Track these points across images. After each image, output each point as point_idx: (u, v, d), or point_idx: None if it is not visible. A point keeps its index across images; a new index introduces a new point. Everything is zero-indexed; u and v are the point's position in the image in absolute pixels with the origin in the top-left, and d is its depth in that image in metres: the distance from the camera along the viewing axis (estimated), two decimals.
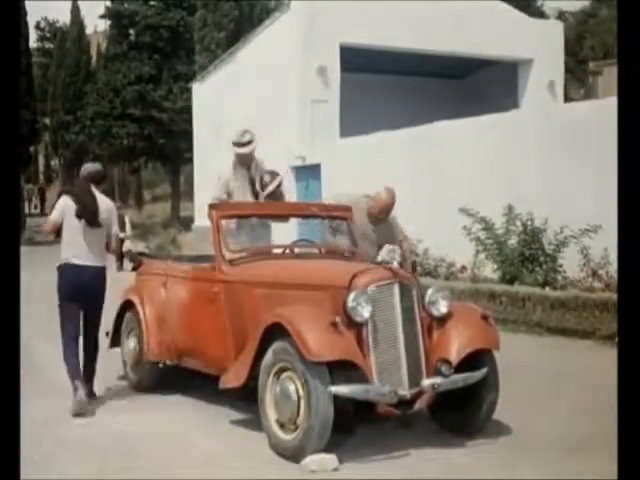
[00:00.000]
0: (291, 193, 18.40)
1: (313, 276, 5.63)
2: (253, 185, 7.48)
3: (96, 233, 6.52)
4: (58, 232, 6.62)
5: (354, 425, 5.48)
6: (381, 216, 7.07)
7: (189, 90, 28.71)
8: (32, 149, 51.13)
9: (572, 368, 7.67)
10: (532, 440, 5.40)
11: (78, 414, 6.10)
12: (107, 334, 7.55)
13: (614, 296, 8.67)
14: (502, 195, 11.36)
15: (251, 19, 29.20)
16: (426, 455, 5.10)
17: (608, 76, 23.82)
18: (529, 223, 10.54)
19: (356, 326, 5.03)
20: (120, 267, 20.70)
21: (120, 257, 20.84)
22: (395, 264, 5.42)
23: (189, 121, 28.23)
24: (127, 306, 7.26)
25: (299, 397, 4.92)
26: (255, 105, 20.57)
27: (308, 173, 18.07)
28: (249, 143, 7.57)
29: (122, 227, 21.22)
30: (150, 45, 33.66)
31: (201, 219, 21.93)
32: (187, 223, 28.29)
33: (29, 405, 5.69)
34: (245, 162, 7.58)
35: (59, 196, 6.74)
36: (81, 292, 6.49)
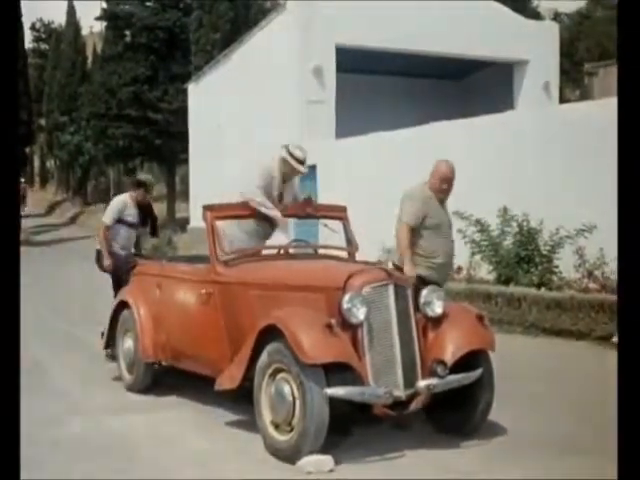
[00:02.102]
0: None
1: (308, 277, 5.63)
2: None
3: None
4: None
5: (350, 426, 5.47)
6: (444, 189, 6.79)
7: (185, 91, 28.71)
8: (28, 150, 51.07)
9: (568, 369, 7.67)
10: (527, 441, 5.40)
11: None
12: (102, 335, 7.55)
13: (609, 297, 8.68)
14: (498, 196, 11.35)
15: (247, 20, 29.22)
16: (422, 456, 5.10)
17: (604, 77, 23.84)
18: (525, 224, 10.55)
19: (351, 327, 5.03)
20: None
21: None
22: (390, 264, 5.42)
23: (185, 122, 28.22)
24: (122, 307, 7.24)
25: (294, 398, 4.92)
26: (251, 106, 20.58)
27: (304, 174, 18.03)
28: (305, 163, 7.13)
29: None
30: (146, 46, 33.62)
31: (196, 220, 21.93)
32: (182, 224, 28.28)
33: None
34: (289, 177, 7.15)
35: None
36: None
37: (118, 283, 8.44)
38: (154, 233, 9.69)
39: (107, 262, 8.61)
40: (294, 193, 7.30)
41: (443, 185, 6.73)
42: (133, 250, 8.96)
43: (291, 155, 6.92)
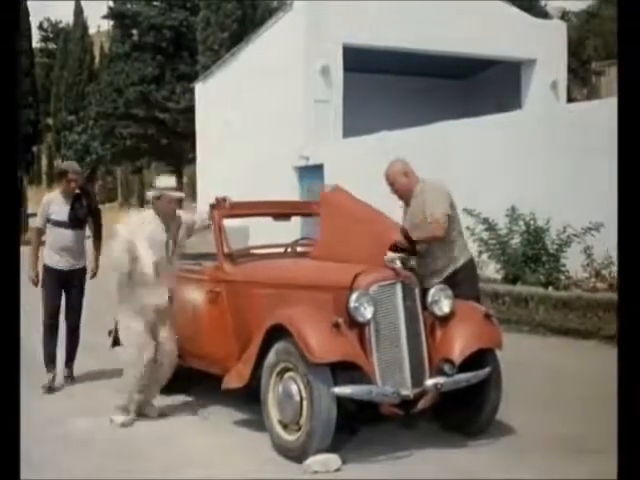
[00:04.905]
0: (294, 193, 18.43)
1: (315, 276, 5.62)
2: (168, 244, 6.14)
3: None
4: None
5: (357, 425, 5.47)
6: (396, 193, 6.32)
7: (192, 90, 28.73)
8: (35, 149, 51.29)
9: (576, 368, 7.65)
10: (535, 440, 5.39)
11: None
12: (109, 333, 7.54)
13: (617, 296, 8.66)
14: (505, 195, 11.34)
15: (254, 19, 29.27)
16: (428, 455, 5.09)
17: (611, 76, 23.79)
18: (532, 223, 10.53)
19: (358, 326, 5.02)
20: None
21: None
22: (398, 264, 5.40)
23: (192, 121, 28.26)
24: None
25: (302, 398, 4.92)
26: (258, 105, 20.59)
27: (311, 173, 18.07)
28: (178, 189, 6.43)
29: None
30: (153, 45, 33.71)
31: None
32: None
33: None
34: (171, 214, 6.18)
35: None
36: None
37: (51, 297, 7.25)
38: (96, 235, 7.61)
39: (31, 273, 7.18)
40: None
41: (391, 189, 6.31)
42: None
43: (161, 188, 6.22)
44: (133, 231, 5.98)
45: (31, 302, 7.11)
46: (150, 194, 6.26)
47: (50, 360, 7.22)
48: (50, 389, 7.04)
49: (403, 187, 6.22)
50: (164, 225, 6.10)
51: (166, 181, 6.37)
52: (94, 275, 7.50)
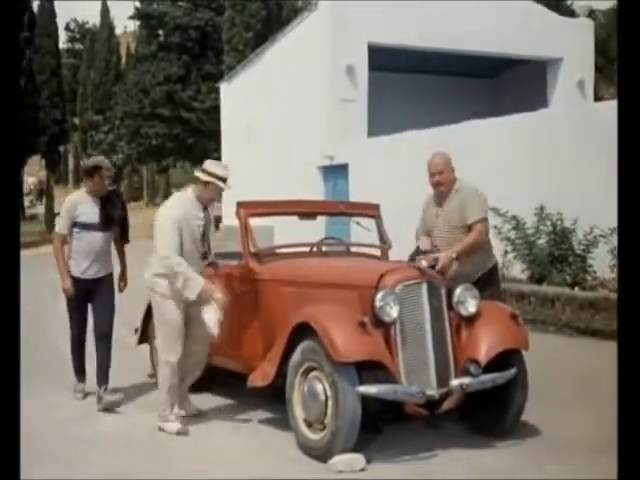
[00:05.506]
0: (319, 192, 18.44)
1: (341, 275, 5.62)
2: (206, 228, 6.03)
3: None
4: None
5: (381, 425, 5.46)
6: (436, 181, 6.30)
7: (217, 90, 28.83)
8: (62, 149, 51.71)
9: (602, 369, 7.58)
10: (560, 441, 5.35)
11: None
12: (136, 331, 7.57)
13: None
14: (532, 195, 11.27)
15: (279, 19, 29.35)
16: (454, 456, 5.08)
17: None
18: (559, 223, 10.46)
19: (384, 326, 5.02)
20: None
21: None
22: (424, 263, 5.38)
23: (217, 121, 28.37)
24: None
25: (327, 397, 4.92)
26: (283, 105, 20.62)
27: (336, 172, 18.07)
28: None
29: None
30: (179, 45, 33.92)
31: (228, 218, 22.02)
32: (215, 222, 28.39)
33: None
34: (211, 203, 6.11)
35: None
36: None
37: (78, 308, 6.70)
38: (123, 236, 6.95)
39: (66, 283, 6.51)
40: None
41: (434, 178, 6.31)
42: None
43: (214, 175, 5.86)
44: (179, 212, 5.77)
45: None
46: (199, 175, 5.85)
47: (80, 372, 6.88)
48: (84, 395, 6.77)
49: (447, 178, 6.31)
50: (202, 212, 5.93)
51: (220, 170, 5.90)
52: (125, 286, 6.95)
